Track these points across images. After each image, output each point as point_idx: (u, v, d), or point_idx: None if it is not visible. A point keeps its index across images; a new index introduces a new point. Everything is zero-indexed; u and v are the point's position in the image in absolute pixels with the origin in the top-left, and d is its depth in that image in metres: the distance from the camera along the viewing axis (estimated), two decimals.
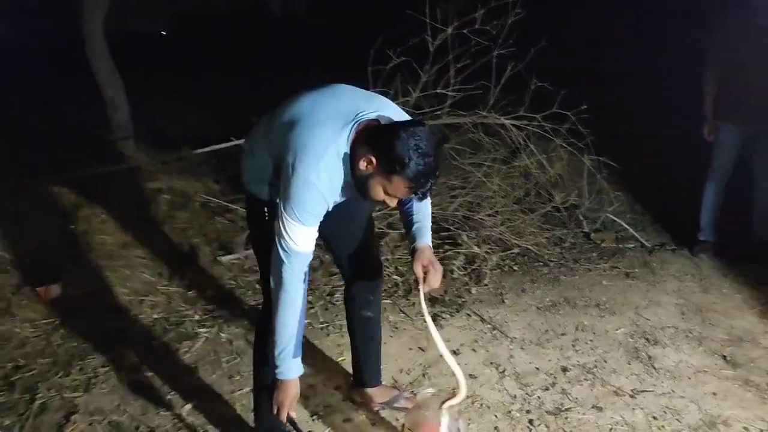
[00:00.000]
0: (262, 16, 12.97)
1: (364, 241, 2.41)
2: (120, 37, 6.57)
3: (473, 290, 3.74)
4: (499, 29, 4.18)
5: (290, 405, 2.05)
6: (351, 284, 2.53)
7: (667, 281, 3.87)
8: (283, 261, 1.91)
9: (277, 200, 1.93)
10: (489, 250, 4.17)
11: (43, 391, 2.78)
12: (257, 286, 3.86)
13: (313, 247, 1.96)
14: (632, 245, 4.48)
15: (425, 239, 2.21)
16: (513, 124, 4.47)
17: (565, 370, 2.95)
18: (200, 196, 5.24)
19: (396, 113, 2.03)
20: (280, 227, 1.90)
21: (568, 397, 2.75)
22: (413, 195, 1.89)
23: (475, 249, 4.05)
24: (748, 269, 3.96)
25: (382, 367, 2.73)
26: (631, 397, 2.75)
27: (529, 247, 4.30)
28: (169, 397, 2.77)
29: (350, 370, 2.94)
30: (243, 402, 2.73)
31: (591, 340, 3.21)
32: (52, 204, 4.68)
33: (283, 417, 2.06)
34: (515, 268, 4.08)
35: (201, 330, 3.32)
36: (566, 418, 2.61)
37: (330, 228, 2.08)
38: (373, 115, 1.93)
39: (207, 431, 2.57)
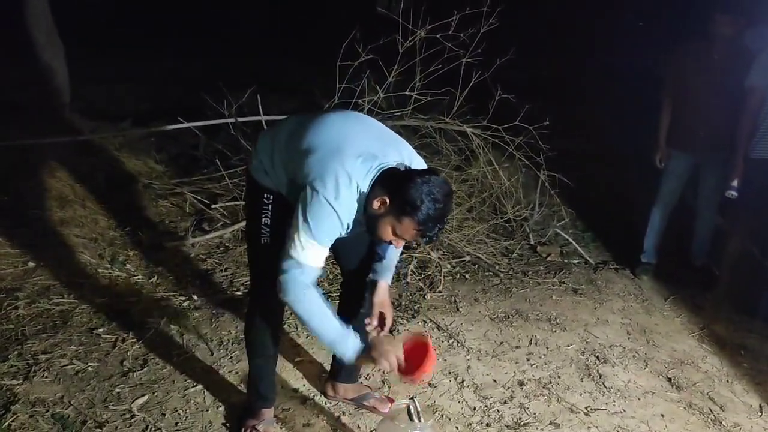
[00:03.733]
0: None
1: (369, 250, 2.41)
2: None
3: (428, 296, 3.73)
4: (470, 37, 4.18)
5: (389, 358, 2.05)
6: (350, 282, 2.54)
7: (613, 300, 3.98)
8: (291, 271, 1.99)
9: (296, 216, 1.98)
10: (441, 257, 4.18)
11: None
12: (206, 277, 3.74)
13: (322, 265, 2.03)
14: (576, 261, 4.58)
15: (387, 277, 2.38)
16: (473, 133, 4.49)
17: (521, 384, 2.98)
18: (142, 177, 5.03)
19: (415, 158, 2.17)
20: (295, 240, 1.97)
21: (526, 411, 2.77)
22: (420, 238, 2.00)
23: (432, 255, 4.04)
24: (687, 294, 4.12)
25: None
26: (586, 414, 2.80)
27: (480, 256, 4.33)
28: (117, 390, 2.63)
29: (307, 371, 2.90)
30: (198, 399, 2.62)
31: (544, 355, 3.26)
32: None
33: (392, 367, 2.06)
34: (467, 276, 4.09)
35: (149, 320, 3.16)
36: None
37: (339, 240, 2.11)
38: (395, 164, 2.04)
39: (159, 427, 2.45)
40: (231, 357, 2.93)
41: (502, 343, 3.33)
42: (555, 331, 3.51)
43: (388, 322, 2.37)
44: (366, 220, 2.03)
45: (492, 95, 4.32)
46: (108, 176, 4.98)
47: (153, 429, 2.43)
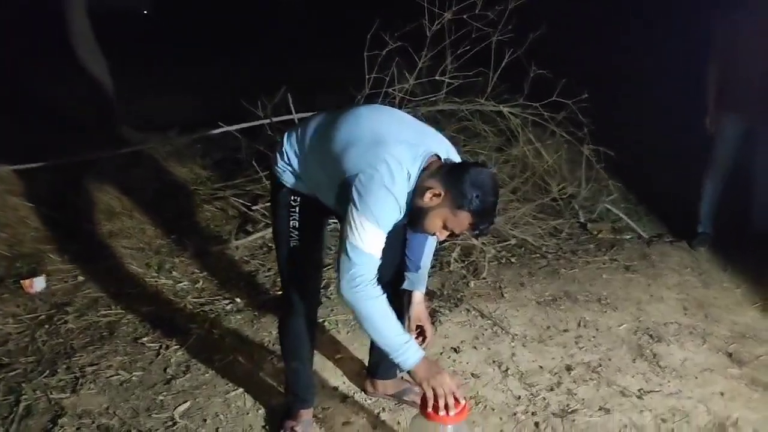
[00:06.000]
0: None
1: (402, 251, 2.36)
2: (99, 14, 6.35)
3: (471, 284, 3.65)
4: (498, 15, 4.07)
5: (443, 382, 1.93)
6: (384, 282, 2.43)
7: (668, 275, 3.81)
8: (354, 264, 1.91)
9: (352, 205, 1.90)
10: (486, 242, 4.09)
11: (28, 392, 2.64)
12: (250, 278, 3.77)
13: (380, 255, 1.94)
14: (629, 236, 4.42)
15: (422, 287, 2.36)
16: (510, 112, 4.37)
17: (569, 368, 2.88)
18: (188, 184, 5.11)
19: (451, 150, 2.12)
20: (352, 230, 1.89)
21: (574, 397, 2.67)
22: (472, 231, 1.98)
23: (473, 240, 3.96)
24: (747, 263, 3.91)
25: None
26: (638, 398, 2.68)
27: (527, 238, 4.22)
28: (160, 398, 2.66)
29: (347, 368, 2.87)
30: (238, 403, 2.62)
31: (594, 337, 3.14)
32: (33, 191, 4.51)
33: (451, 403, 1.92)
34: (513, 260, 3.99)
35: (192, 326, 3.20)
36: (573, 420, 2.53)
37: None
38: (439, 153, 2.02)
39: None
40: (271, 358, 2.93)
41: (549, 327, 3.23)
42: (605, 312, 3.38)
43: (429, 334, 2.33)
44: (411, 211, 1.97)
45: (527, 73, 4.20)
46: (156, 186, 5.09)
47: None
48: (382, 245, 1.94)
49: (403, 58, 4.30)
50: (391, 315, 1.96)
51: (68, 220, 4.33)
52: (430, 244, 2.36)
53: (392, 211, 1.93)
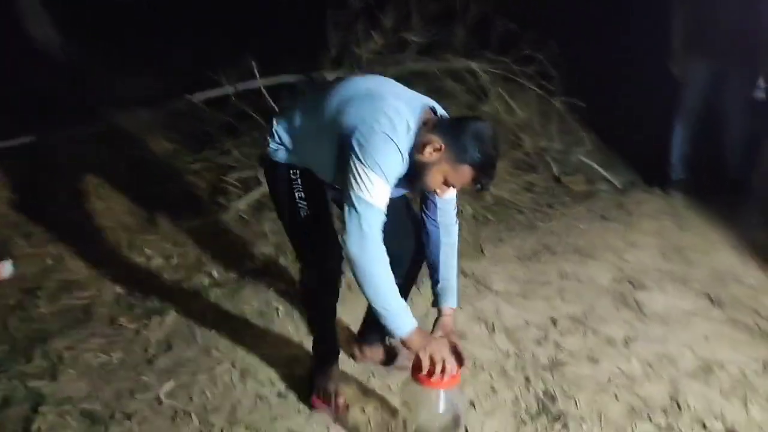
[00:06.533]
0: None
1: (405, 224, 2.34)
2: None
3: None
4: None
5: (440, 348, 1.94)
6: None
7: (644, 222, 3.83)
8: (362, 217, 1.84)
9: (354, 158, 1.85)
10: (463, 201, 4.05)
11: (3, 382, 2.55)
12: (225, 251, 3.69)
13: (385, 208, 1.88)
14: (604, 187, 4.42)
15: (452, 301, 2.27)
16: (481, 69, 4.31)
17: (554, 321, 2.88)
18: (157, 159, 4.97)
19: (440, 108, 2.07)
20: (357, 182, 1.84)
21: (562, 350, 2.68)
22: (474, 185, 1.94)
23: None
24: (722, 206, 3.95)
25: None
26: (625, 346, 2.70)
27: (502, 194, 4.19)
28: (144, 378, 2.59)
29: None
30: (225, 379, 2.57)
31: (576, 288, 3.15)
32: None
33: (448, 368, 1.93)
34: (490, 217, 3.97)
35: (170, 303, 3.12)
36: (562, 372, 2.54)
37: None
38: (434, 106, 2.02)
39: (187, 411, 2.42)
40: (254, 331, 2.88)
41: (530, 281, 3.23)
42: (585, 262, 3.39)
43: (461, 349, 2.19)
44: (410, 166, 1.92)
45: (494, 27, 4.13)
46: (124, 163, 4.93)
47: (182, 414, 2.39)
48: (387, 200, 1.88)
49: (368, 19, 4.21)
50: (392, 279, 1.90)
51: (33, 202, 4.19)
52: (447, 252, 2.34)
53: (396, 161, 1.88)
